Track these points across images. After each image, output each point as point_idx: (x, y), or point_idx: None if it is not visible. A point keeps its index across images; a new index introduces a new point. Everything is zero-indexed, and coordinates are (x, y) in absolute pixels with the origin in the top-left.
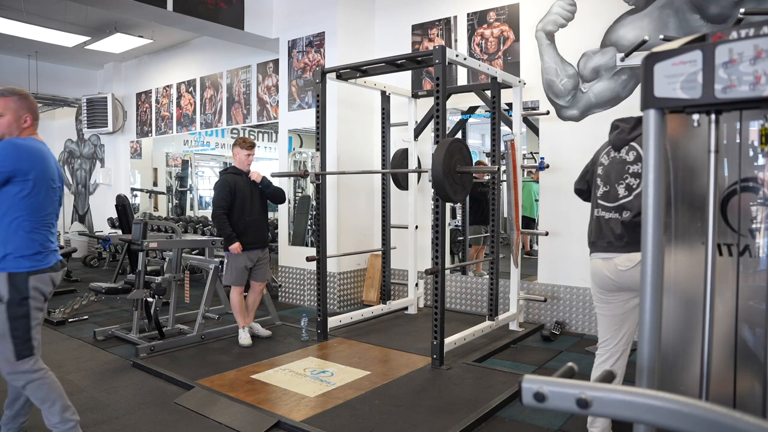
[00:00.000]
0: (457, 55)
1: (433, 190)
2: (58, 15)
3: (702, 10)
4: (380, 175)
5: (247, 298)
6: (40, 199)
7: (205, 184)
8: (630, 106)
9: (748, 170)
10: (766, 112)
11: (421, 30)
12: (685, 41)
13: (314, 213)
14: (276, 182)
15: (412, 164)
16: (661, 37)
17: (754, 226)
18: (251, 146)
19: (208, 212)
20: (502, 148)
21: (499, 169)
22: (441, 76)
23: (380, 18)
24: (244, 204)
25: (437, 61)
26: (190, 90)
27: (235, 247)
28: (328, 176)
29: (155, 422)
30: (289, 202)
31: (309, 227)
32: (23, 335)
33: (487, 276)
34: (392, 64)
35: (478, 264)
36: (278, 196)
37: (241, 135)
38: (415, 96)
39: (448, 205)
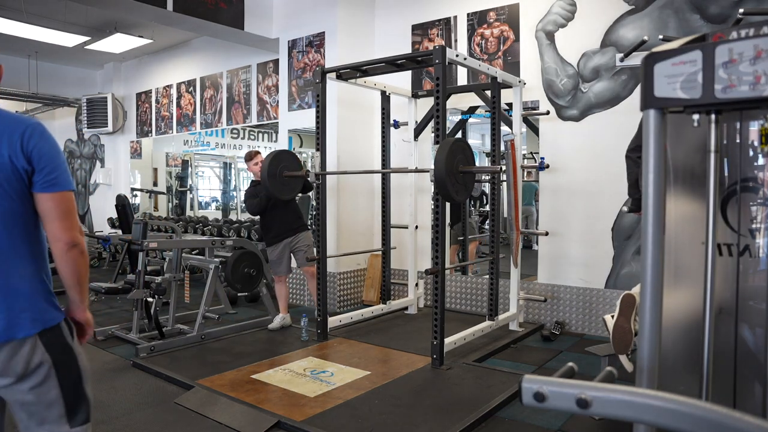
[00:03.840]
0: (457, 55)
1: (433, 190)
2: (58, 15)
3: (702, 10)
4: (380, 175)
5: (308, 286)
6: None
7: (205, 184)
8: (630, 106)
9: (748, 170)
10: (766, 112)
11: (421, 30)
12: (685, 41)
13: (314, 213)
14: None
15: (412, 164)
16: (661, 37)
17: (754, 226)
18: (252, 157)
19: (208, 212)
20: (502, 148)
21: (500, 169)
22: (441, 76)
23: (380, 18)
24: (267, 207)
25: (437, 61)
26: (190, 90)
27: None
28: (328, 176)
29: (155, 422)
30: None
31: (309, 227)
32: None
33: (487, 276)
34: (392, 64)
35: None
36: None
37: (241, 135)
38: (415, 96)
39: (448, 205)
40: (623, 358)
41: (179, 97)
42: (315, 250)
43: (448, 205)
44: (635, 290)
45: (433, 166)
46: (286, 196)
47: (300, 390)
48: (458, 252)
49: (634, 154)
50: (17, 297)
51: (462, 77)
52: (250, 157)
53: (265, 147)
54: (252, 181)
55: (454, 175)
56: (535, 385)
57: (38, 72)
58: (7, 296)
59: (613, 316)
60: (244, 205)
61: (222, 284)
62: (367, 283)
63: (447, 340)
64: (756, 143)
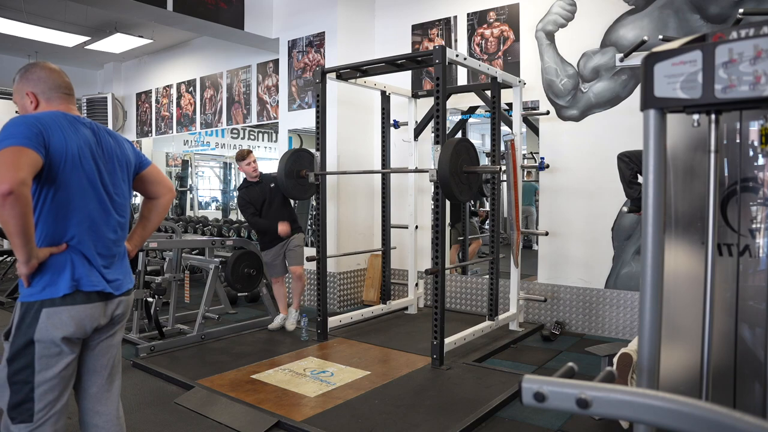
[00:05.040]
0: (457, 55)
1: (433, 190)
2: (58, 15)
3: (702, 10)
4: (380, 175)
5: (292, 286)
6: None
7: (205, 184)
8: (630, 106)
9: (748, 170)
10: (766, 112)
11: (421, 30)
12: (685, 41)
13: (314, 213)
14: None
15: (412, 164)
16: (661, 37)
17: (754, 226)
18: (244, 156)
19: (208, 212)
20: (502, 148)
21: (500, 169)
22: (441, 76)
23: (380, 18)
24: (261, 210)
25: (437, 61)
26: (190, 90)
27: (283, 229)
28: (328, 176)
29: (155, 422)
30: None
31: (309, 227)
32: (22, 394)
33: (487, 276)
34: (392, 64)
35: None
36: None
37: (241, 135)
38: (415, 96)
39: (448, 205)
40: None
41: (179, 97)
42: (304, 251)
43: (448, 204)
44: (631, 347)
45: (433, 166)
46: (303, 197)
47: (300, 390)
48: (458, 252)
49: (626, 158)
50: (127, 259)
51: (462, 77)
52: (242, 156)
53: (266, 147)
54: (245, 180)
55: (458, 176)
56: (535, 385)
57: None
58: (126, 254)
59: None
60: (239, 209)
61: (222, 284)
62: (367, 283)
63: (447, 340)
64: (756, 143)
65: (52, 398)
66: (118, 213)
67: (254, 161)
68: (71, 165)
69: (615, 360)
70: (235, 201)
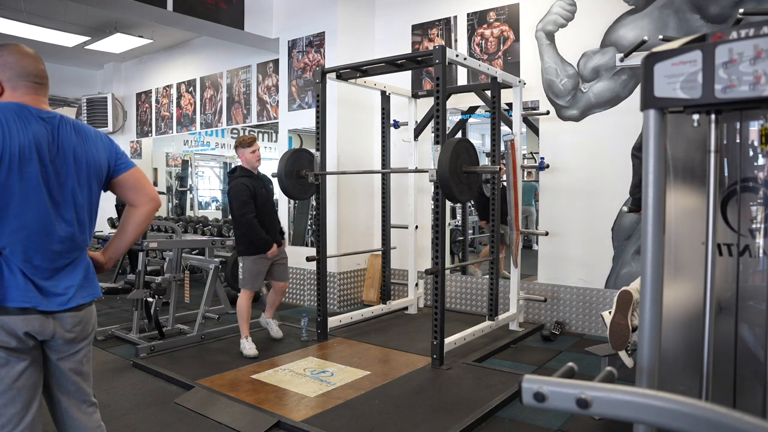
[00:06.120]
0: (457, 55)
1: (433, 190)
2: (58, 15)
3: (702, 10)
4: (380, 175)
5: (268, 296)
6: None
7: (205, 184)
8: (630, 106)
9: (748, 170)
10: (766, 112)
11: (421, 30)
12: (685, 41)
13: (314, 213)
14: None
15: (412, 164)
16: (661, 37)
17: (754, 226)
18: (251, 142)
19: (208, 212)
20: (502, 148)
21: (500, 169)
22: (441, 76)
23: (380, 18)
24: (264, 206)
25: (437, 61)
26: (190, 90)
27: (273, 250)
28: (327, 176)
29: (155, 422)
30: (289, 202)
31: (309, 227)
32: None
33: (487, 276)
34: (392, 64)
35: (476, 264)
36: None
37: (241, 135)
38: (415, 96)
39: (448, 205)
40: (623, 354)
41: (179, 97)
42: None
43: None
44: (633, 286)
45: (432, 166)
46: (303, 197)
47: (300, 390)
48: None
49: (641, 152)
50: (91, 267)
51: (462, 77)
52: (247, 143)
53: (266, 147)
54: (239, 167)
55: (458, 176)
56: (535, 385)
57: None
58: (89, 266)
59: (610, 312)
60: (232, 205)
61: (222, 284)
62: (367, 283)
63: (447, 340)
64: (756, 143)
65: (14, 412)
66: (67, 222)
67: (258, 150)
68: (8, 167)
69: (615, 298)
70: (230, 189)
